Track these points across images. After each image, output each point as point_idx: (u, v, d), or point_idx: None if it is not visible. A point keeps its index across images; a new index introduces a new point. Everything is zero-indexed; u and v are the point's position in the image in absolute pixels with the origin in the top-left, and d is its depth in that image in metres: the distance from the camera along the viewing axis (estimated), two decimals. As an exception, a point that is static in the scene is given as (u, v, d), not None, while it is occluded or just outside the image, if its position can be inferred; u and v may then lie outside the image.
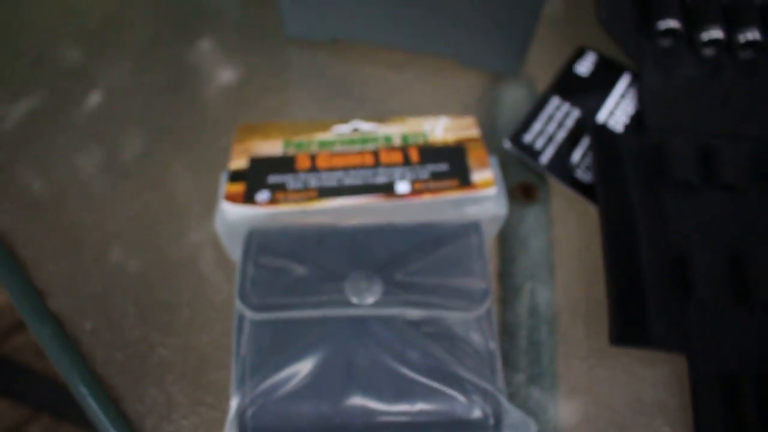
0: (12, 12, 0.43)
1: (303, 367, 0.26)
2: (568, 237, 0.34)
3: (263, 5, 0.43)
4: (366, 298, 0.27)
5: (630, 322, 0.30)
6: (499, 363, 0.27)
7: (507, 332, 0.31)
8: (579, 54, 0.40)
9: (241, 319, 0.27)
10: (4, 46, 0.41)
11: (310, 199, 0.31)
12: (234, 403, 0.26)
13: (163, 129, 0.38)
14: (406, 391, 0.26)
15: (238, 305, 0.27)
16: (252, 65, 0.40)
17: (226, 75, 0.40)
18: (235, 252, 0.31)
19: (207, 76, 0.40)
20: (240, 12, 0.43)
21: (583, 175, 0.35)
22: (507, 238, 0.34)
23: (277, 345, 0.26)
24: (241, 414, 0.26)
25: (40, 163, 0.37)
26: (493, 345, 0.27)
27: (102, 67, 0.40)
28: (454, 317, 0.27)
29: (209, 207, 0.35)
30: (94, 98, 0.39)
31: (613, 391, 0.30)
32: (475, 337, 0.27)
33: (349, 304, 0.27)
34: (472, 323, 0.27)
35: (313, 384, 0.26)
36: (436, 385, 0.26)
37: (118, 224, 0.35)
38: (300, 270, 0.28)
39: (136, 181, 0.36)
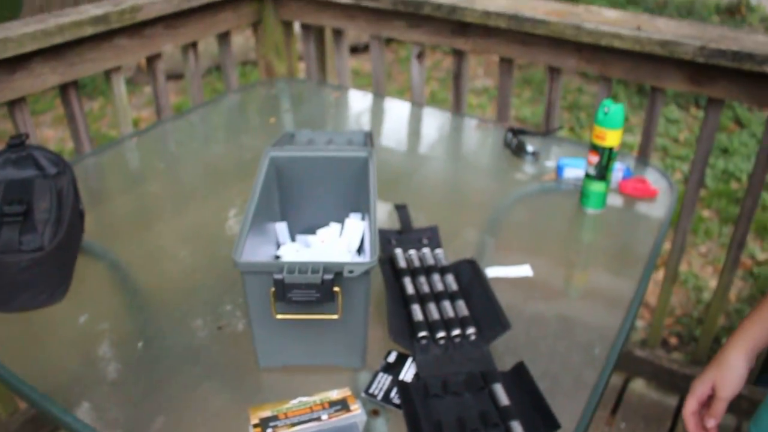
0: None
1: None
2: (398, 426, 0.91)
3: (247, 350, 1.02)
4: (319, 450, 0.82)
5: (420, 448, 0.86)
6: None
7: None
8: (387, 353, 1.02)
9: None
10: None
11: (291, 428, 0.87)
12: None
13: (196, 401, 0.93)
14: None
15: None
16: (245, 385, 0.98)
17: (232, 391, 0.97)
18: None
19: (218, 398, 0.97)
20: (235, 354, 1.02)
21: (398, 401, 0.94)
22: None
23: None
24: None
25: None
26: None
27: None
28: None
29: (244, 443, 0.89)
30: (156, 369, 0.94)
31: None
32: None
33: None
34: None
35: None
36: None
37: (203, 461, 0.87)
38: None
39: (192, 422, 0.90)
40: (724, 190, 3.59)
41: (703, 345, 2.07)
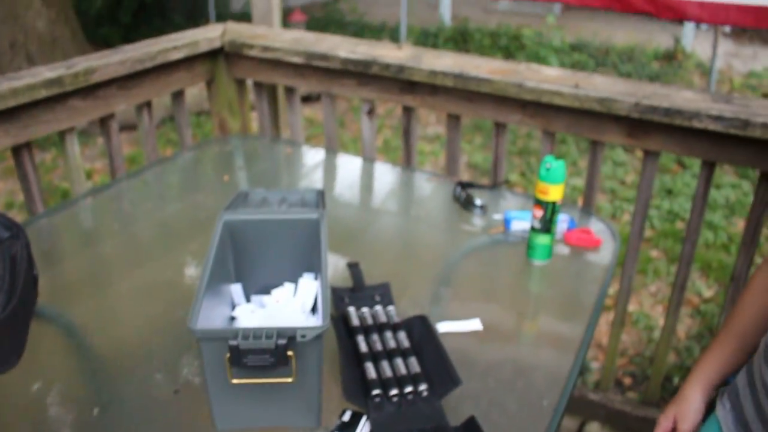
0: None
1: None
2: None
3: (204, 413, 1.03)
4: None
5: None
6: None
7: None
8: (342, 412, 1.05)
9: None
10: None
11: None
12: None
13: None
14: None
15: None
16: (202, 450, 0.99)
17: (192, 456, 0.98)
18: None
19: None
20: (193, 417, 1.03)
21: (352, 459, 0.97)
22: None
23: None
24: None
25: None
26: None
27: None
28: None
29: None
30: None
31: None
32: None
33: None
34: None
35: None
36: None
37: None
38: None
39: None
40: (670, 230, 3.72)
41: (654, 384, 2.14)
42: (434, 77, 1.80)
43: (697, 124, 1.58)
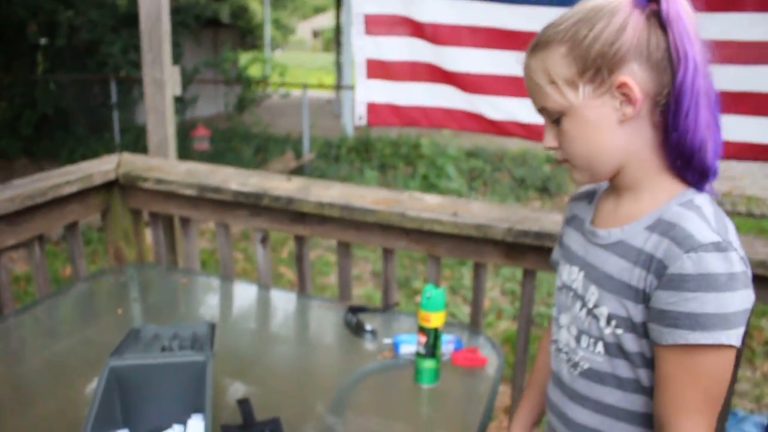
0: None
1: None
2: None
3: None
4: None
5: None
6: None
7: None
8: None
9: None
10: None
11: None
12: None
13: None
14: None
15: None
16: None
17: None
18: None
19: None
20: None
21: None
22: None
23: None
24: None
25: None
26: None
27: None
28: None
29: None
30: None
31: None
32: None
33: None
34: None
35: None
36: None
37: None
38: None
39: None
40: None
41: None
42: (322, 208, 1.90)
43: (565, 245, 1.73)
